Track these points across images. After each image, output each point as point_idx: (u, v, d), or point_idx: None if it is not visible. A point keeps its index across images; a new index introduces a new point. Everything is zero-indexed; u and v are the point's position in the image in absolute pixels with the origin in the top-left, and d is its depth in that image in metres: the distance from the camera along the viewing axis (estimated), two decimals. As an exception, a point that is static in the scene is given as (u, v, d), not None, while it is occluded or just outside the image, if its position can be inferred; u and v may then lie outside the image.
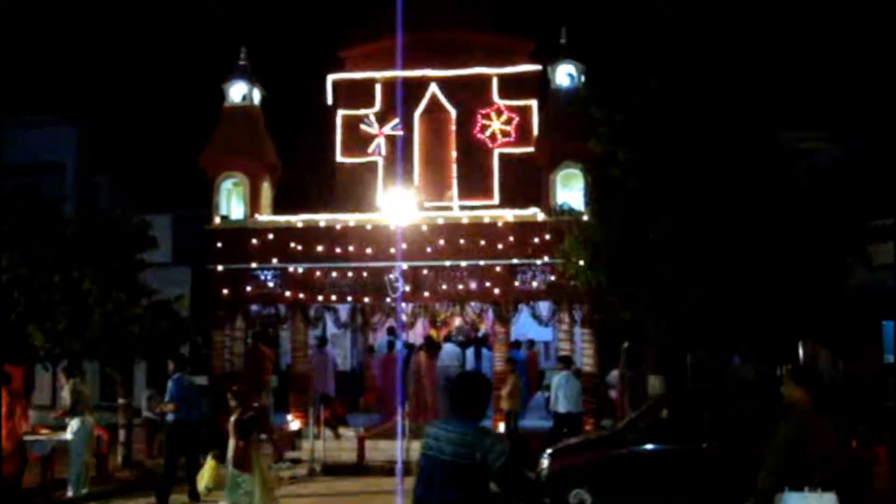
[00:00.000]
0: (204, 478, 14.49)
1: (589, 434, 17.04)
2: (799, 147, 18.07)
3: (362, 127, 22.31)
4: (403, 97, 22.09)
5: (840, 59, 23.01)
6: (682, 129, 15.35)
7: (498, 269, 19.10)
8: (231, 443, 10.61)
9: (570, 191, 19.18)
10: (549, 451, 14.02)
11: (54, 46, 28.12)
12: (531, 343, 23.53)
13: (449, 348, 21.94)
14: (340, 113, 23.02)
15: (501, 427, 18.29)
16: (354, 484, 16.27)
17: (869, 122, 21.11)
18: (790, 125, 18.58)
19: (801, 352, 20.03)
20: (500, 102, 22.44)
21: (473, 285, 19.22)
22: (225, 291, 19.83)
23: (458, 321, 23.67)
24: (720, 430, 13.26)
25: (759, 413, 13.97)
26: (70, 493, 14.81)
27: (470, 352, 22.37)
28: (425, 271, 19.34)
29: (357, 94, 22.99)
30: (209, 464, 14.45)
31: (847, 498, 10.55)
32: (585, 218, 18.22)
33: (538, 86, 21.87)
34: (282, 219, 20.24)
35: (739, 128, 15.61)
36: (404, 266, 19.18)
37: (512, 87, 22.50)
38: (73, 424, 15.22)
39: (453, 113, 22.64)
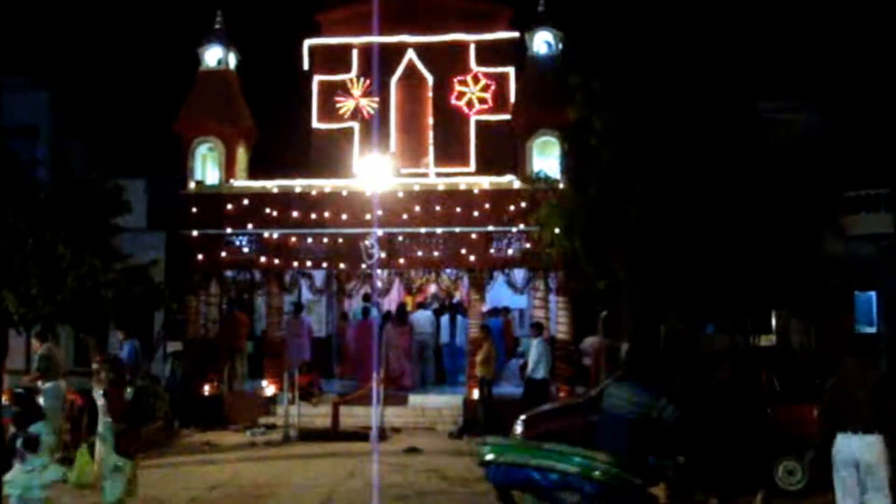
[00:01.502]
0: (78, 470, 12.74)
1: (563, 400, 17.16)
2: (777, 117, 18.13)
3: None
4: (380, 63, 21.99)
5: (819, 29, 23.04)
6: (659, 96, 15.34)
7: (473, 236, 19.13)
8: (105, 422, 9.87)
9: (546, 158, 19.19)
10: (522, 416, 14.12)
11: (26, 8, 27.73)
12: (506, 310, 23.60)
13: (422, 315, 22.01)
14: (317, 78, 22.90)
15: (476, 394, 18.38)
16: (329, 449, 16.33)
17: (847, 93, 21.18)
18: (768, 95, 18.62)
19: (773, 321, 20.19)
20: (478, 69, 22.37)
21: (449, 252, 19.23)
22: (200, 257, 19.77)
23: (433, 288, 23.73)
24: (692, 397, 13.38)
25: (730, 381, 14.18)
26: (42, 458, 14.78)
27: (445, 319, 22.42)
28: (401, 238, 19.34)
29: (333, 59, 22.88)
30: (83, 457, 12.97)
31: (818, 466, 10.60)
32: (561, 186, 18.25)
33: (516, 53, 21.83)
34: (257, 184, 20.16)
35: (717, 96, 15.60)
36: (380, 232, 19.17)
37: (489, 54, 22.43)
38: (47, 389, 15.21)
39: (430, 79, 22.57)
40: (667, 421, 7.74)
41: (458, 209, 19.16)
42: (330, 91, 22.74)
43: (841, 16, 22.83)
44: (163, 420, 18.38)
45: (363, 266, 19.43)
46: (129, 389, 9.23)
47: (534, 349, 17.81)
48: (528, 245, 18.89)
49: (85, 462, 11.89)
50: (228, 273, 20.28)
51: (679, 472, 8.88)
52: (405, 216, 19.24)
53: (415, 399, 19.68)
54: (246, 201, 19.74)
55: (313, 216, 19.42)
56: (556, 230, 17.00)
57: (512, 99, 21.46)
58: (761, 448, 12.63)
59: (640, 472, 7.53)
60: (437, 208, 19.21)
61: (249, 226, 19.67)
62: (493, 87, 22.27)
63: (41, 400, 15.15)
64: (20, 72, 24.71)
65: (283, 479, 13.72)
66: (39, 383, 15.48)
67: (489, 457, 7.57)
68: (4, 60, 24.78)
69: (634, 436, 7.67)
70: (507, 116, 20.95)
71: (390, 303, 23.51)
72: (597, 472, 7.17)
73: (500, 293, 21.26)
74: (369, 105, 22.34)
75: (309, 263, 19.78)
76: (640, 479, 7.48)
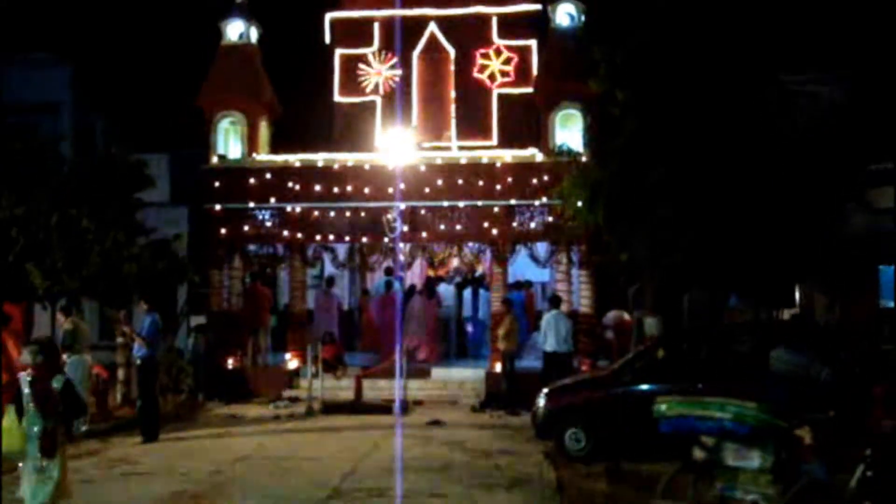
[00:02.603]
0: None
1: (585, 374, 17.15)
2: (802, 90, 17.96)
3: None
4: (402, 37, 21.92)
5: (843, 1, 22.77)
6: (683, 69, 15.23)
7: (496, 209, 19.09)
8: (31, 414, 8.79)
9: (568, 131, 19.10)
10: (545, 390, 14.13)
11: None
12: (528, 284, 23.58)
13: (444, 289, 22.07)
14: (338, 52, 22.85)
15: (498, 367, 18.40)
16: (352, 421, 16.40)
17: (873, 65, 20.95)
18: (793, 67, 18.44)
19: (797, 295, 20.08)
20: (500, 42, 22.28)
21: (471, 226, 19.21)
22: (223, 231, 19.83)
23: (455, 262, 23.72)
24: (716, 370, 13.35)
25: (753, 353, 14.11)
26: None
27: (467, 292, 22.44)
28: (423, 211, 19.33)
29: (355, 33, 22.82)
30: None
31: (844, 437, 10.72)
32: (584, 159, 18.17)
33: (538, 25, 21.69)
34: (280, 158, 20.17)
35: (741, 69, 15.48)
36: (402, 206, 19.16)
37: (511, 26, 22.32)
38: (72, 362, 15.33)
39: (452, 53, 22.48)
40: (820, 380, 10.04)
41: (481, 182, 19.11)
42: (352, 65, 22.70)
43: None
44: (187, 393, 18.54)
45: (385, 240, 19.44)
46: (58, 378, 8.33)
47: (543, 321, 17.82)
48: (550, 218, 18.84)
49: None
50: (251, 247, 20.34)
51: (828, 423, 9.53)
52: (427, 190, 19.21)
53: (437, 372, 19.73)
54: (269, 175, 19.76)
55: (336, 190, 19.43)
56: (579, 203, 16.94)
57: (534, 72, 21.36)
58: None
59: (790, 419, 8.66)
60: (460, 182, 19.17)
61: (272, 200, 19.70)
62: (515, 60, 22.17)
63: (67, 373, 15.28)
64: (43, 48, 24.84)
65: (307, 452, 13.78)
66: (65, 356, 15.59)
67: (662, 409, 9.10)
68: (27, 37, 24.93)
69: (792, 390, 9.87)
70: (529, 89, 20.86)
71: (413, 277, 23.53)
72: (748, 418, 8.41)
73: (522, 267, 21.22)
74: (391, 79, 22.27)
75: (331, 237, 19.82)
76: (787, 423, 8.57)
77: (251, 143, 20.37)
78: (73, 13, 26.79)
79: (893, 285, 20.08)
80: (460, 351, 22.09)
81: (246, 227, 19.87)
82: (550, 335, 17.42)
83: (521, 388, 17.09)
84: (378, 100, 22.46)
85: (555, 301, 18.21)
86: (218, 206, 19.87)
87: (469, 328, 22.15)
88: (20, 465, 8.55)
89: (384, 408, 17.26)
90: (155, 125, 24.67)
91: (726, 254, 15.25)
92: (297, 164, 19.83)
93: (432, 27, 22.51)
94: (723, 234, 15.03)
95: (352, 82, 22.63)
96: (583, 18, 19.61)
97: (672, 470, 9.36)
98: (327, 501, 10.75)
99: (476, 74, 22.26)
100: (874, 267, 19.96)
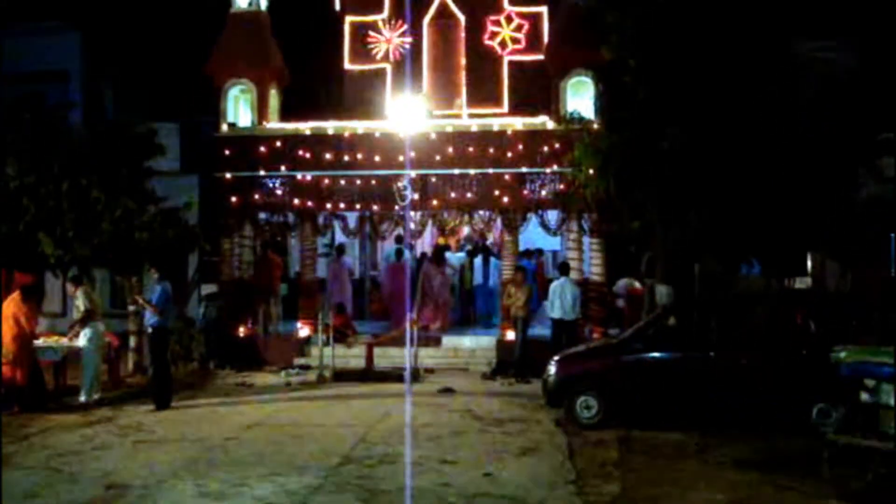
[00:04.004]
0: None
1: (596, 341, 17.17)
2: (814, 56, 17.79)
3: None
4: (412, 3, 21.77)
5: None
6: (694, 35, 15.11)
7: (507, 177, 19.03)
8: None
9: (580, 99, 18.99)
10: (556, 357, 14.14)
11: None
12: (539, 252, 23.56)
13: (452, 256, 22.10)
14: (348, 19, 22.68)
15: (510, 335, 18.42)
16: (363, 389, 16.45)
17: (886, 32, 20.74)
18: (805, 34, 18.26)
19: (809, 263, 20.01)
20: (511, 9, 22.08)
21: (482, 194, 19.16)
22: (233, 199, 19.82)
23: (466, 230, 23.70)
24: (727, 339, 13.35)
25: (765, 322, 14.10)
26: (83, 398, 15.07)
27: (478, 261, 22.45)
28: (434, 179, 19.28)
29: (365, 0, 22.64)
30: None
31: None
32: (595, 126, 18.08)
33: (549, -8, 21.51)
34: (290, 126, 20.12)
35: (752, 35, 15.35)
36: (413, 174, 19.11)
37: (523, -7, 22.12)
38: (86, 331, 15.41)
39: (463, 20, 22.30)
40: None
41: (492, 150, 19.04)
42: (361, 32, 22.53)
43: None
44: (198, 362, 18.61)
45: (396, 208, 19.41)
46: None
47: (552, 288, 17.83)
48: (561, 186, 18.77)
49: None
50: (262, 215, 20.32)
51: None
52: (438, 158, 19.16)
53: (448, 340, 19.76)
54: (279, 143, 19.72)
55: (346, 158, 19.39)
56: (590, 171, 16.88)
57: (545, 39, 21.20)
58: (797, 390, 12.58)
59: None
60: (470, 150, 19.10)
61: (282, 168, 19.67)
62: (526, 27, 21.98)
63: (80, 342, 15.38)
64: (52, 16, 24.74)
65: (318, 419, 13.84)
66: (77, 327, 15.67)
67: (841, 356, 10.60)
68: (36, 5, 24.84)
69: None
70: (540, 57, 20.70)
71: (423, 245, 23.52)
72: None
73: (533, 235, 21.18)
74: (401, 46, 22.16)
75: (342, 205, 19.79)
76: None
77: (261, 111, 20.30)
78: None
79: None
80: (472, 319, 22.12)
81: (256, 196, 19.85)
82: (557, 302, 17.46)
83: (532, 356, 17.13)
84: (388, 67, 22.32)
85: (564, 268, 18.22)
86: (228, 175, 19.86)
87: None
88: None
89: (395, 376, 17.30)
90: (165, 93, 24.61)
91: (738, 222, 15.20)
92: (308, 132, 19.78)
93: (442, -7, 22.35)
94: (735, 202, 14.98)
95: (362, 50, 22.49)
96: (595, -16, 19.44)
97: (844, 410, 11.02)
98: (339, 468, 10.81)
99: (487, 41, 22.10)
100: (886, 235, 19.87)
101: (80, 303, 15.66)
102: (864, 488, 9.82)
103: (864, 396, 10.36)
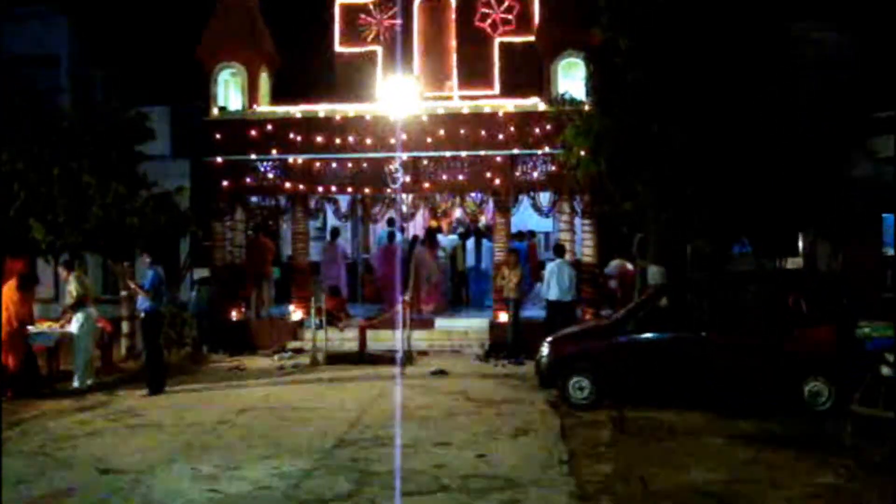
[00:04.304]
0: None
1: (589, 322, 17.21)
2: (807, 36, 17.78)
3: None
4: (403, -15, 21.69)
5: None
6: (686, 14, 15.08)
7: (498, 159, 19.02)
8: None
9: (571, 80, 18.94)
10: (549, 339, 14.17)
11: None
12: (531, 234, 23.57)
13: (444, 240, 22.15)
14: (339, 2, 22.55)
15: (503, 316, 18.45)
16: (356, 372, 16.47)
17: (879, 12, 20.72)
18: (799, 13, 18.24)
19: (800, 243, 20.06)
20: (501, -10, 22.01)
21: (473, 176, 19.15)
22: (224, 183, 19.79)
23: (458, 212, 23.70)
24: (719, 319, 13.41)
25: (757, 302, 14.16)
26: (76, 384, 15.08)
27: (470, 243, 22.45)
28: (425, 162, 19.27)
29: (355, -19, 22.54)
30: None
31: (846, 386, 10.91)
32: (587, 108, 18.05)
33: (540, -28, 21.41)
34: (281, 109, 20.07)
35: (745, 15, 15.32)
36: (404, 157, 19.10)
37: (513, -27, 22.03)
38: (78, 317, 15.40)
39: (453, 1, 22.22)
40: None
41: (483, 132, 19.02)
42: (352, 14, 22.43)
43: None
44: (191, 346, 18.61)
45: (388, 190, 19.40)
46: None
47: (547, 270, 17.87)
48: (553, 168, 18.76)
49: None
50: (253, 199, 20.33)
51: None
52: (429, 140, 19.14)
53: (441, 322, 19.79)
54: (270, 127, 19.68)
55: (337, 141, 19.35)
56: (582, 153, 16.86)
57: (536, 20, 21.14)
58: (788, 369, 12.64)
59: None
60: (462, 132, 19.08)
61: (274, 151, 19.64)
62: (517, 9, 21.87)
63: (72, 327, 15.37)
64: (41, 0, 24.63)
65: (312, 402, 13.86)
66: (69, 313, 15.65)
67: (867, 332, 11.86)
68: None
69: None
70: (531, 38, 20.64)
71: (415, 227, 23.52)
72: None
73: (525, 217, 21.19)
74: (392, 28, 22.07)
75: (334, 188, 19.78)
76: None
77: (251, 94, 20.25)
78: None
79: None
80: (463, 301, 22.15)
81: (248, 179, 19.82)
82: (553, 284, 17.49)
83: (525, 338, 17.18)
84: (379, 50, 22.23)
85: (559, 250, 18.25)
86: (219, 159, 19.81)
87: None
88: None
89: (388, 358, 17.32)
90: (155, 78, 24.51)
91: (730, 202, 15.21)
92: (298, 116, 19.74)
93: (433, -25, 22.25)
94: (726, 183, 14.99)
95: (352, 32, 22.39)
96: (585, -36, 19.39)
97: (867, 380, 11.01)
98: (333, 451, 10.83)
99: (477, 23, 22.02)
100: (877, 215, 19.91)
101: (72, 288, 15.63)
102: (881, 461, 9.93)
103: (886, 370, 10.81)
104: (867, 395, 10.85)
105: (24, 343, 14.87)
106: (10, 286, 14.79)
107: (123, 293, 17.94)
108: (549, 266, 17.91)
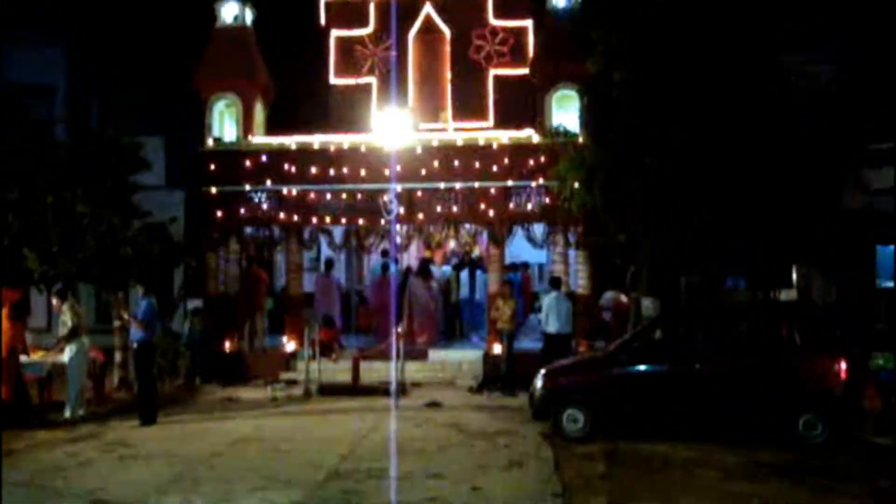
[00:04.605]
0: None
1: (583, 355, 17.18)
2: (801, 69, 17.89)
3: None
4: (397, 18, 21.79)
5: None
6: (679, 49, 15.17)
7: (492, 190, 19.06)
8: None
9: (565, 112, 19.06)
10: (542, 370, 14.14)
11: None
12: (525, 266, 23.57)
13: (436, 271, 22.16)
14: (334, 34, 22.72)
15: (497, 348, 18.41)
16: (350, 404, 16.40)
17: (871, 45, 20.87)
18: (791, 47, 18.35)
19: (794, 274, 20.09)
20: (496, 23, 22.16)
21: (468, 207, 19.19)
22: (219, 214, 19.78)
23: (452, 243, 23.70)
24: (713, 351, 13.39)
25: (751, 334, 14.16)
26: (67, 414, 14.98)
27: (464, 274, 22.44)
28: (419, 193, 19.30)
29: (350, 14, 22.67)
30: None
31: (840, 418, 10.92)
32: (581, 140, 18.14)
33: (534, 6, 21.55)
34: (275, 140, 20.09)
35: (737, 47, 15.42)
36: (398, 188, 19.12)
37: (507, 6, 22.18)
38: (71, 347, 15.33)
39: (448, 34, 22.37)
40: None
41: (477, 164, 19.07)
42: (347, 46, 22.59)
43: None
44: (184, 377, 18.53)
45: (382, 222, 19.41)
46: None
47: (545, 303, 17.86)
48: (547, 199, 18.81)
49: None
50: (248, 230, 20.29)
51: None
52: (424, 171, 19.18)
53: (435, 354, 19.74)
54: (264, 157, 19.71)
55: (332, 172, 19.39)
56: (576, 184, 16.91)
57: (531, 52, 21.28)
58: (783, 401, 12.62)
59: None
60: (456, 163, 19.12)
61: (268, 182, 19.65)
62: (511, 41, 22.06)
63: (65, 357, 15.31)
64: (37, 30, 24.70)
65: (305, 434, 13.80)
66: (62, 343, 15.58)
67: (881, 363, 12.52)
68: (21, 18, 24.79)
69: None
70: (525, 70, 20.77)
71: (409, 258, 23.52)
72: None
73: (519, 248, 21.21)
74: (387, 60, 22.19)
75: (328, 219, 19.77)
76: None
77: (246, 125, 20.28)
78: (67, -5, 26.62)
79: (893, 265, 20.11)
80: (456, 332, 22.11)
81: (242, 210, 19.82)
82: (552, 316, 17.46)
83: (519, 369, 17.12)
84: (374, 81, 22.37)
85: (555, 282, 18.23)
86: (214, 189, 19.82)
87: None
88: None
89: (382, 390, 17.25)
90: (150, 108, 24.56)
91: (724, 234, 15.25)
92: (293, 147, 19.76)
93: (428, 8, 22.37)
94: (720, 215, 15.03)
95: (347, 64, 22.54)
96: (579, -1, 19.55)
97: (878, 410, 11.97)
98: (325, 483, 10.77)
99: (472, 55, 22.17)
100: (871, 247, 19.97)
101: (67, 318, 15.56)
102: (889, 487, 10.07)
103: None
104: (880, 424, 10.97)
105: (16, 373, 14.80)
106: (2, 315, 14.73)
107: (116, 323, 17.88)
108: (547, 299, 17.88)
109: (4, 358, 14.49)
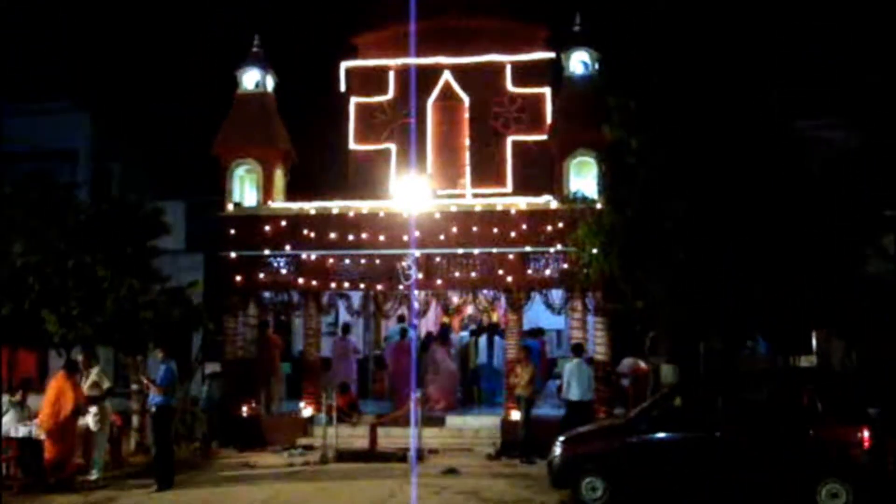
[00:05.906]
0: None
1: (601, 422, 17.04)
2: (816, 135, 17.97)
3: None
4: (417, 85, 22.02)
5: (858, 46, 22.83)
6: (696, 116, 15.27)
7: (510, 256, 19.08)
8: None
9: (583, 178, 19.13)
10: (561, 438, 14.04)
11: (66, 32, 28.16)
12: (540, 331, 23.50)
13: (454, 337, 22.13)
14: (354, 100, 22.97)
15: (515, 414, 18.29)
16: (367, 470, 16.29)
17: (887, 110, 20.97)
18: (808, 113, 18.46)
19: (814, 341, 19.96)
20: (514, 90, 22.36)
21: (486, 273, 19.19)
22: (238, 278, 19.85)
23: (470, 309, 23.67)
24: (733, 418, 13.27)
25: (771, 401, 14.04)
26: (93, 476, 15.01)
27: (483, 340, 22.38)
28: (438, 259, 19.33)
29: (370, 81, 22.94)
30: None
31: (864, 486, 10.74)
32: (599, 206, 18.18)
33: (552, 73, 21.78)
34: (295, 206, 20.21)
35: (754, 115, 15.51)
36: (417, 253, 19.17)
37: (525, 74, 22.38)
38: (94, 410, 15.38)
39: (466, 100, 22.57)
40: None
41: (495, 230, 19.11)
42: (367, 113, 22.82)
43: (880, 33, 22.60)
44: (201, 441, 18.48)
45: (400, 287, 19.43)
46: None
47: (566, 370, 17.77)
48: (565, 265, 18.78)
49: None
50: (266, 294, 20.33)
51: None
52: (442, 237, 19.22)
53: (452, 420, 19.63)
54: (284, 223, 19.81)
55: (351, 237, 19.46)
56: (594, 250, 16.91)
57: (548, 119, 21.43)
58: (804, 470, 12.47)
59: None
60: (474, 229, 19.18)
61: (287, 247, 19.73)
62: (529, 108, 22.24)
63: (89, 420, 15.34)
64: (62, 96, 25.11)
65: (321, 500, 13.72)
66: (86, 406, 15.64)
67: None
68: (46, 84, 25.22)
69: None
70: (543, 137, 20.90)
71: (427, 324, 23.50)
72: None
73: (537, 314, 21.16)
74: (406, 126, 22.38)
75: (346, 284, 19.80)
76: None
77: (266, 190, 20.43)
78: (92, 60, 27.07)
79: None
80: (474, 398, 22.00)
81: (261, 275, 19.89)
82: (574, 383, 17.37)
83: (537, 437, 16.98)
84: (393, 147, 22.56)
85: (577, 349, 18.14)
86: (233, 254, 19.91)
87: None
88: None
89: (399, 456, 17.15)
90: (171, 173, 24.83)
91: (742, 300, 15.19)
92: (312, 212, 19.87)
93: (447, 75, 22.61)
94: (739, 280, 15.00)
95: (367, 130, 22.75)
96: (596, 66, 19.71)
97: None
98: (342, 551, 10.68)
99: (490, 122, 22.35)
100: (893, 313, 19.86)
101: (98, 380, 15.68)
102: None
103: None
104: None
105: (73, 433, 14.91)
106: (59, 377, 14.93)
107: (134, 387, 17.90)
108: (568, 366, 17.78)
109: (65, 419, 14.63)
